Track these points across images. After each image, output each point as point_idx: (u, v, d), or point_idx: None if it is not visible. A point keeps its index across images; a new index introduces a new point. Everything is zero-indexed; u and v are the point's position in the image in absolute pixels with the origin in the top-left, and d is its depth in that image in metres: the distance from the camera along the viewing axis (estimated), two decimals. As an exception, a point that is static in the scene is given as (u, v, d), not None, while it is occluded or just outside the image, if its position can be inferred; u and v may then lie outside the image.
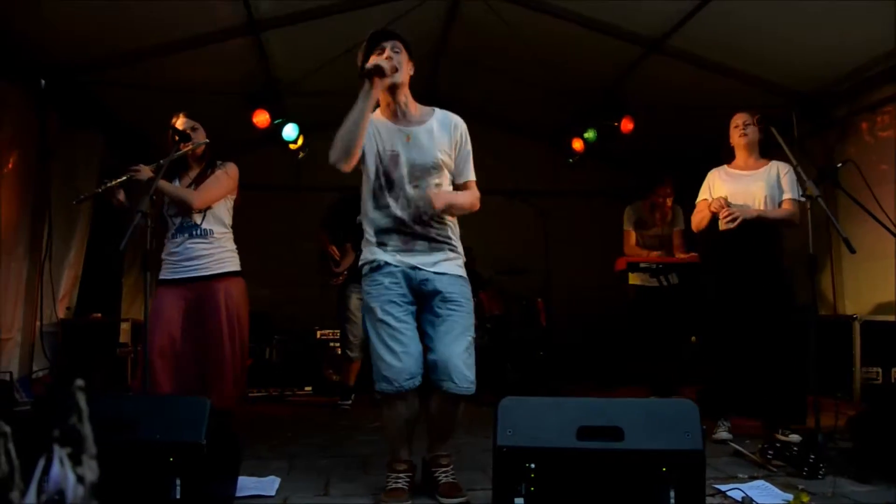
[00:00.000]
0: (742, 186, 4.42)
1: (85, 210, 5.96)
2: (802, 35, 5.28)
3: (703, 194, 4.61)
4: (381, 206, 3.08)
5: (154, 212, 3.77)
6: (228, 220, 4.02)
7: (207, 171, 3.93)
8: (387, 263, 3.05)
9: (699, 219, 4.58)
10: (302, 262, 7.47)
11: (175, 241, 3.85)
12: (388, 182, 3.07)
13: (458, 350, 2.99)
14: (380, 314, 3.00)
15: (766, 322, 4.22)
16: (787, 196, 4.34)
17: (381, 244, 3.09)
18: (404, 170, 3.06)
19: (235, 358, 3.84)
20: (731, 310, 4.33)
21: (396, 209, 3.06)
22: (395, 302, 3.02)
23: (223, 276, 3.87)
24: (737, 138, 4.51)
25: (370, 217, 3.12)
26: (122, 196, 3.71)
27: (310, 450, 4.09)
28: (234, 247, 4.02)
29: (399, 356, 2.97)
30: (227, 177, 3.95)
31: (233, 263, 3.95)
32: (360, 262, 3.18)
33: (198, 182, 3.89)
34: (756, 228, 4.29)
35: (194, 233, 3.84)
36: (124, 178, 3.65)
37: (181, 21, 5.26)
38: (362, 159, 3.08)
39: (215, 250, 3.87)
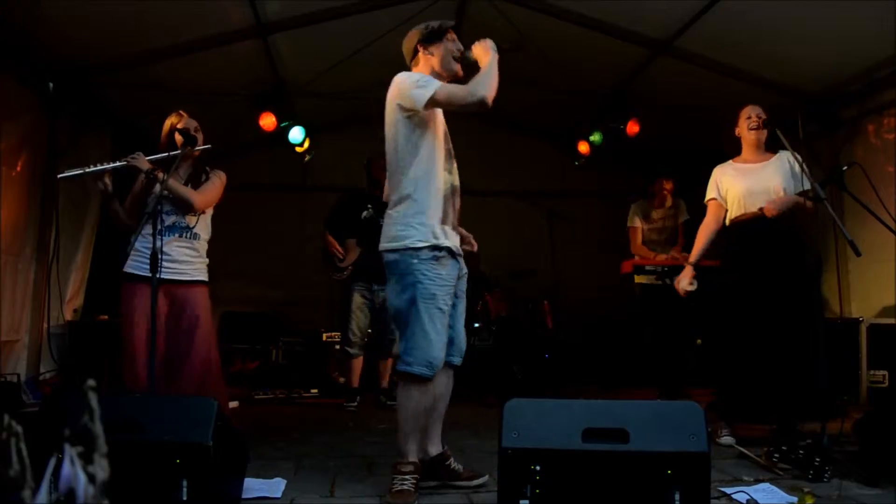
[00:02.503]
0: (757, 181, 4.21)
1: (92, 212, 5.99)
2: (811, 36, 5.28)
3: (711, 193, 4.42)
4: (447, 168, 3.20)
5: (133, 204, 3.78)
6: (210, 229, 4.01)
7: (202, 176, 3.93)
8: (449, 252, 3.13)
9: (710, 220, 4.42)
10: (307, 263, 7.50)
11: (162, 238, 3.70)
12: (451, 148, 3.26)
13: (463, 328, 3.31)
14: (441, 303, 3.07)
15: (791, 321, 4.01)
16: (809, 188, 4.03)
17: (445, 216, 3.14)
18: (450, 145, 3.28)
19: (215, 364, 3.85)
20: (755, 311, 4.08)
21: (454, 177, 3.25)
22: (451, 294, 3.16)
23: (200, 284, 3.88)
24: (748, 131, 4.30)
25: (438, 179, 3.14)
26: (108, 181, 3.64)
27: (316, 451, 4.09)
28: (206, 258, 4.00)
29: (444, 347, 3.12)
30: (221, 183, 3.95)
31: (205, 273, 3.95)
32: (416, 239, 3.07)
33: (192, 183, 3.88)
34: (781, 223, 4.12)
35: (185, 234, 3.81)
36: (120, 163, 3.61)
37: (189, 24, 5.30)
38: (433, 120, 3.16)
39: (197, 258, 3.87)
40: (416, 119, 3.10)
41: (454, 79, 3.24)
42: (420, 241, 3.06)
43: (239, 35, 5.67)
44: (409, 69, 3.33)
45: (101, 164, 3.59)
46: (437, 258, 3.07)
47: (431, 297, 3.04)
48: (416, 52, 3.30)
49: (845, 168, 3.90)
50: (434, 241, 3.06)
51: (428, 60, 3.27)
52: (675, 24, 5.62)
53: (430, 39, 3.27)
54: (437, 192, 3.12)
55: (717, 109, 4.56)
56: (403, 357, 3.08)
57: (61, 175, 3.73)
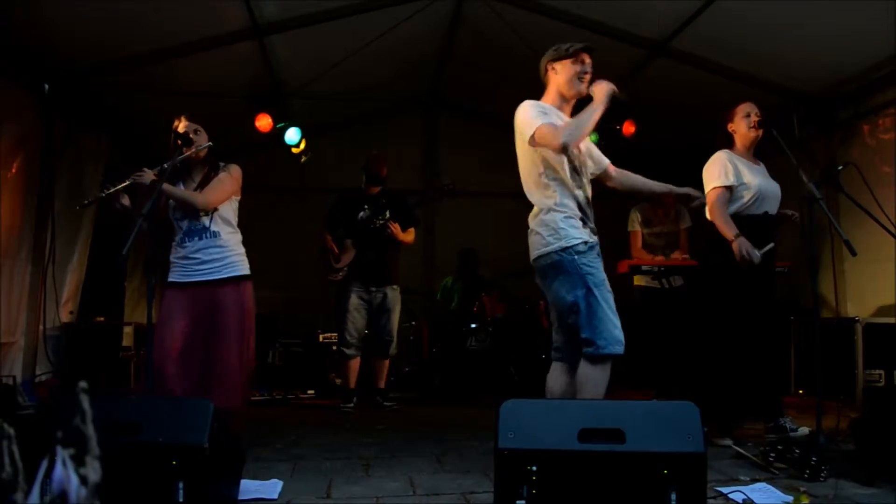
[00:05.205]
0: (769, 184, 4.21)
1: (88, 214, 5.97)
2: (807, 36, 5.27)
3: (728, 179, 4.19)
4: (578, 185, 3.52)
5: (159, 215, 3.77)
6: (235, 220, 4.03)
7: (211, 174, 3.93)
8: (596, 243, 3.48)
9: (726, 205, 4.22)
10: (304, 264, 7.48)
11: (185, 244, 3.85)
12: (579, 165, 3.56)
13: None
14: (608, 285, 3.39)
15: (766, 322, 4.13)
16: None
17: (584, 219, 3.46)
18: (585, 158, 3.64)
19: (243, 360, 3.83)
20: (744, 312, 4.14)
21: (587, 188, 3.57)
22: None
23: (233, 280, 3.87)
24: (748, 129, 4.27)
25: (573, 194, 3.48)
26: (126, 200, 3.71)
27: (313, 452, 4.08)
28: (242, 249, 4.02)
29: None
30: (230, 178, 3.95)
31: (242, 267, 3.95)
32: (571, 237, 3.40)
33: (203, 185, 3.90)
34: (770, 229, 4.23)
35: (204, 235, 3.85)
36: (127, 182, 3.64)
37: (185, 25, 5.29)
38: None
39: (225, 254, 3.88)
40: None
41: (578, 98, 3.58)
42: (574, 238, 3.38)
43: (235, 36, 5.65)
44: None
45: (112, 187, 3.65)
46: (591, 248, 3.40)
47: (602, 282, 3.35)
48: (546, 70, 3.59)
49: (840, 168, 3.91)
50: (585, 238, 3.39)
51: (554, 78, 3.58)
52: (671, 24, 5.62)
53: (557, 58, 3.56)
54: (572, 202, 3.45)
55: (714, 110, 4.55)
56: (595, 342, 3.27)
57: (80, 205, 4.12)
